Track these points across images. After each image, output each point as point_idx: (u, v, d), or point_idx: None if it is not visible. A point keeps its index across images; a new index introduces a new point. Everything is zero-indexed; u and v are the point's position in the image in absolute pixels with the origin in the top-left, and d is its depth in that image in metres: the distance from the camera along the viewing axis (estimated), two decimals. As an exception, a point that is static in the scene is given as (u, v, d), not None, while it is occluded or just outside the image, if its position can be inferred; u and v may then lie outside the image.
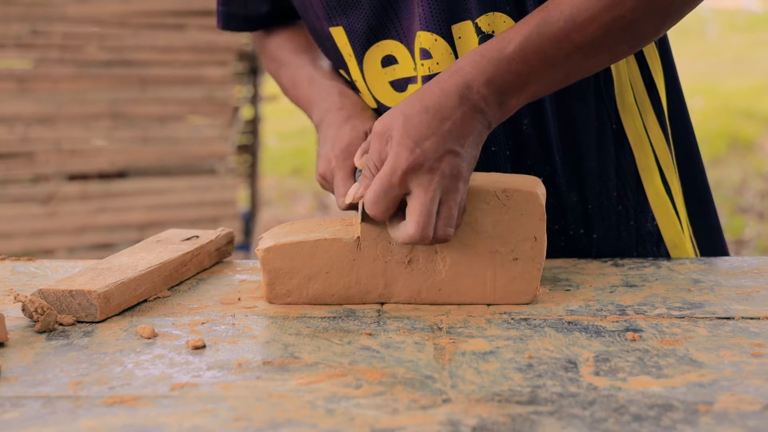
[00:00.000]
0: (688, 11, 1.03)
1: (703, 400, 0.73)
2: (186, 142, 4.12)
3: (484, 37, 1.10)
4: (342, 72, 1.25)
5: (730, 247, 5.07)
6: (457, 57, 1.12)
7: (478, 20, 1.10)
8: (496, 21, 1.10)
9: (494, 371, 0.80)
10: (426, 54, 1.13)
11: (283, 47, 1.35)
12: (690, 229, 1.24)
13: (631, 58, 1.18)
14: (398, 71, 1.17)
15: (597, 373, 0.79)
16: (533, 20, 0.99)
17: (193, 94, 4.09)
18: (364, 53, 1.18)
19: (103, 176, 4.04)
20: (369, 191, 0.95)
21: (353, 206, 1.04)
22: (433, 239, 0.95)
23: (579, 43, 0.98)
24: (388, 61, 1.17)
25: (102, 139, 3.99)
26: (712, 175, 6.60)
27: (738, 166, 6.89)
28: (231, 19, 1.35)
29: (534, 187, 1.00)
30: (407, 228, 0.94)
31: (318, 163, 1.16)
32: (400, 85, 1.17)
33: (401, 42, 1.15)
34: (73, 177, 3.98)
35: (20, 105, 3.82)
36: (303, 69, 1.30)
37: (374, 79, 1.19)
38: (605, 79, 1.16)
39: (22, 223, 3.89)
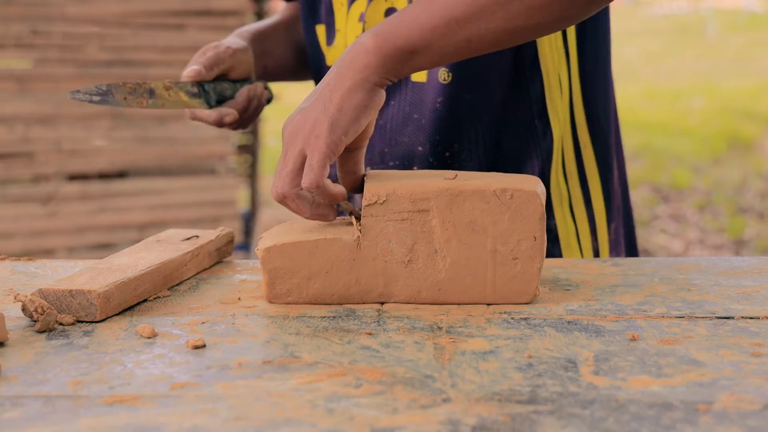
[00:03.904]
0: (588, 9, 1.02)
1: (703, 399, 0.73)
2: (186, 142, 4.12)
3: None
4: (318, 29, 1.35)
5: (731, 247, 5.08)
6: None
7: None
8: None
9: (494, 371, 0.80)
10: None
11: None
12: (593, 234, 1.32)
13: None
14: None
15: (597, 373, 0.79)
16: None
17: (193, 94, 4.08)
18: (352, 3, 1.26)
19: (103, 176, 4.04)
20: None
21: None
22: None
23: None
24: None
25: (102, 139, 3.99)
26: (713, 175, 6.61)
27: (738, 166, 6.89)
28: None
29: (534, 186, 1.00)
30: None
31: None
32: None
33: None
34: (73, 177, 3.98)
35: (20, 105, 3.82)
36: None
37: (351, 31, 1.27)
38: (534, 79, 1.24)
39: (22, 223, 3.89)
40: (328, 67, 1.33)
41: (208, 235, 1.17)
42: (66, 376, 0.79)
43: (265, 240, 1.03)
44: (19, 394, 0.75)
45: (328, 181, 0.99)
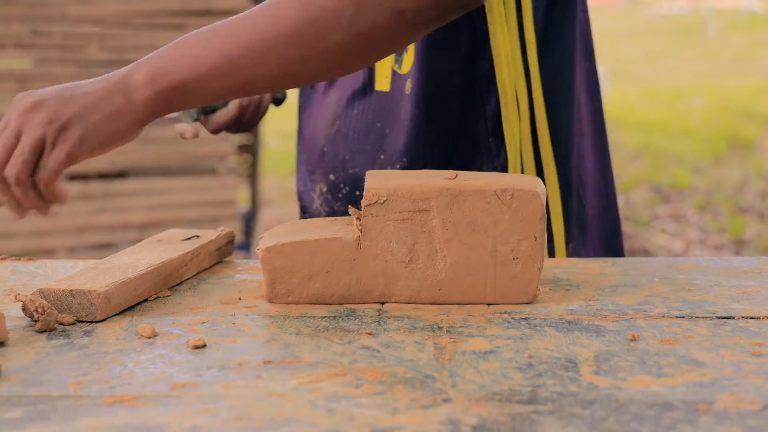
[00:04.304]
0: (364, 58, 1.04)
1: (703, 399, 0.73)
2: (186, 142, 4.10)
3: None
4: None
5: (731, 247, 5.08)
6: None
7: None
8: None
9: (494, 371, 0.80)
10: None
11: None
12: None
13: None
14: None
15: (597, 373, 0.79)
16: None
17: (193, 94, 4.09)
18: None
19: (103, 176, 4.04)
20: None
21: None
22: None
23: (240, 33, 1.00)
24: None
25: (102, 139, 3.99)
26: (713, 175, 6.61)
27: (738, 166, 6.90)
28: None
29: (534, 186, 1.00)
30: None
31: None
32: None
33: None
34: (73, 177, 3.98)
35: (20, 105, 3.82)
36: None
37: None
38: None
39: (22, 223, 3.88)
40: None
41: (208, 235, 1.17)
42: (66, 376, 0.79)
43: (265, 240, 1.03)
44: (19, 394, 0.75)
45: (58, 182, 1.02)
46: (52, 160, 0.99)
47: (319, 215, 1.34)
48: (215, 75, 1.00)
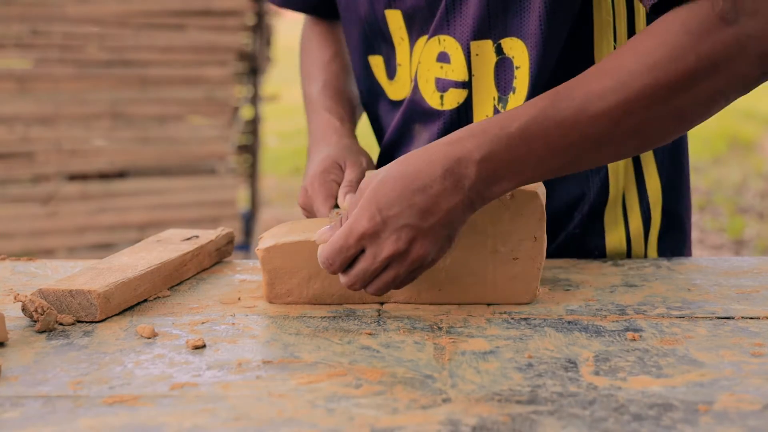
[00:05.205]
0: (704, 119, 0.98)
1: (703, 399, 0.73)
2: (186, 142, 4.12)
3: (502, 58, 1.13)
4: (372, 59, 1.27)
5: (730, 247, 5.08)
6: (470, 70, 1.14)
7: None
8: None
9: (494, 371, 0.80)
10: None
11: (313, 47, 1.40)
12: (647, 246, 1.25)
13: None
14: (448, 71, 1.17)
15: (597, 373, 0.79)
16: (542, 102, 0.93)
17: (193, 94, 4.09)
18: (417, 40, 1.19)
19: (103, 176, 4.04)
20: (326, 247, 0.93)
21: None
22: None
23: (586, 133, 0.92)
24: (442, 57, 1.17)
25: (102, 139, 3.99)
26: (713, 175, 6.61)
27: (738, 166, 6.90)
28: None
29: (534, 187, 1.00)
30: (342, 277, 0.94)
31: (298, 197, 1.19)
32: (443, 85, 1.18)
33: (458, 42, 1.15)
34: (73, 177, 3.98)
35: (20, 105, 3.82)
36: (314, 88, 1.33)
37: (424, 70, 1.19)
38: None
39: (22, 223, 3.89)
40: (390, 101, 1.27)
41: (208, 235, 1.17)
42: (66, 376, 0.79)
43: (265, 240, 1.03)
44: (19, 394, 0.75)
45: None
46: (405, 284, 0.94)
47: None
48: (556, 172, 0.95)
